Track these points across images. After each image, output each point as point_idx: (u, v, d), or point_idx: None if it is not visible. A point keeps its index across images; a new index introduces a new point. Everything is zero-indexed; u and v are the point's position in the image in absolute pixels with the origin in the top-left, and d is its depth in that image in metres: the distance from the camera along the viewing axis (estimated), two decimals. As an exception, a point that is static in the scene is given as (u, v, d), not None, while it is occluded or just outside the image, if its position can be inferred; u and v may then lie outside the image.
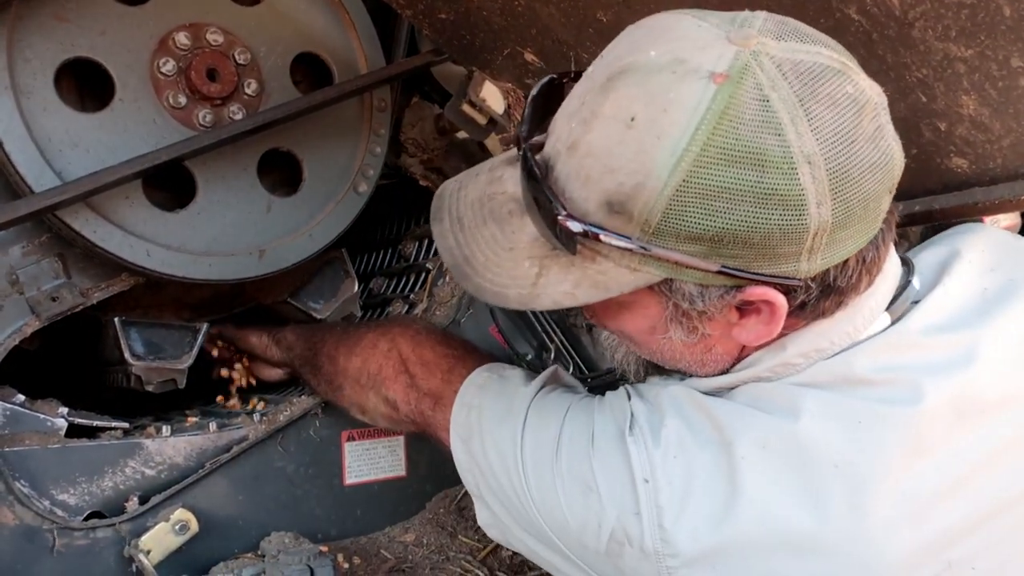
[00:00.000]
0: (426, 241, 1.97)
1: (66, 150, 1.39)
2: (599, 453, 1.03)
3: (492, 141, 1.76)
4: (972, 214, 1.28)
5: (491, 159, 1.09)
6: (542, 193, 0.90)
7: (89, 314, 1.55)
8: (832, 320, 0.98)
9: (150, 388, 1.58)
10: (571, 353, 1.98)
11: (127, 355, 1.54)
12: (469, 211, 1.03)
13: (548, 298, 0.94)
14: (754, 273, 0.89)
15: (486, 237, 1.00)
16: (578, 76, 0.97)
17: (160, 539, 1.46)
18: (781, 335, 0.99)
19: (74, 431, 1.47)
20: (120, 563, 1.45)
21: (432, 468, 1.81)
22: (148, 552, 1.44)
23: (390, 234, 2.14)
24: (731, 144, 0.82)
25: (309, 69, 1.68)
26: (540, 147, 0.96)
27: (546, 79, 0.99)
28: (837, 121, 0.84)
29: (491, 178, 1.04)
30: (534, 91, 0.98)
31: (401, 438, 1.77)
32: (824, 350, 1.00)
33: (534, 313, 1.93)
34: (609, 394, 1.13)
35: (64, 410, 1.46)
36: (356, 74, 1.65)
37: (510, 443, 1.12)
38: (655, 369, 1.16)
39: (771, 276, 0.89)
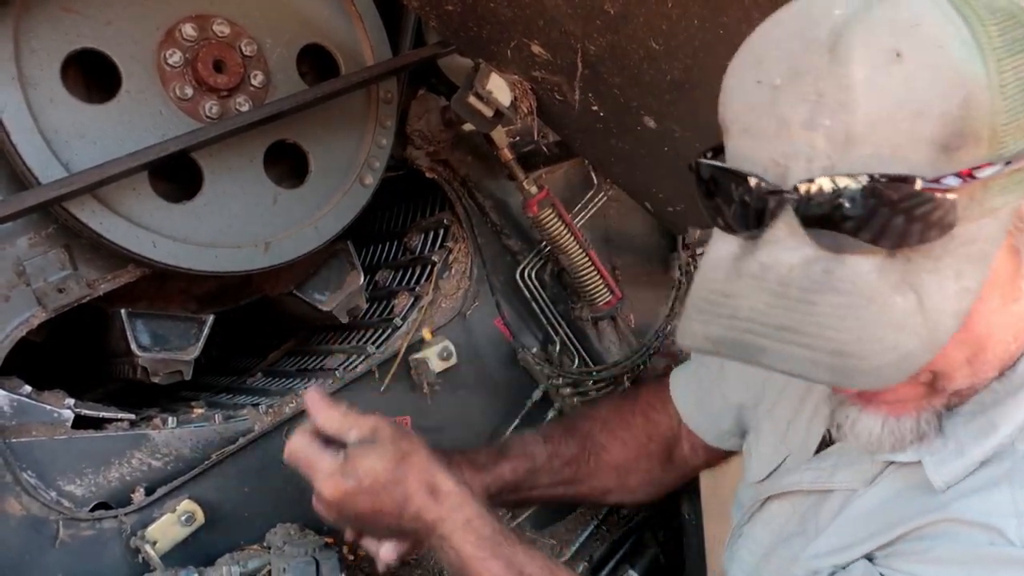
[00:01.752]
0: (431, 233, 1.97)
1: (73, 141, 1.38)
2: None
3: (498, 133, 1.75)
4: None
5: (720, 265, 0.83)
6: (889, 199, 0.70)
7: (95, 305, 1.55)
8: None
9: (156, 379, 1.58)
10: (577, 346, 1.98)
11: (133, 346, 1.55)
12: (784, 315, 0.75)
13: (947, 316, 0.72)
14: None
15: (824, 308, 0.73)
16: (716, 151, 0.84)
17: (166, 530, 1.46)
18: None
19: (80, 422, 1.47)
20: (126, 554, 1.45)
21: (437, 460, 1.81)
22: (154, 543, 1.44)
23: (396, 226, 2.14)
24: (1003, 7, 0.73)
25: (315, 61, 1.67)
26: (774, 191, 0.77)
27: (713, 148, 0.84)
28: None
29: (758, 275, 0.78)
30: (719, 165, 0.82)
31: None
32: None
33: (539, 305, 1.93)
34: None
35: (71, 401, 1.46)
36: (362, 66, 1.64)
37: None
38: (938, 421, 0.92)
39: None
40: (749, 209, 0.77)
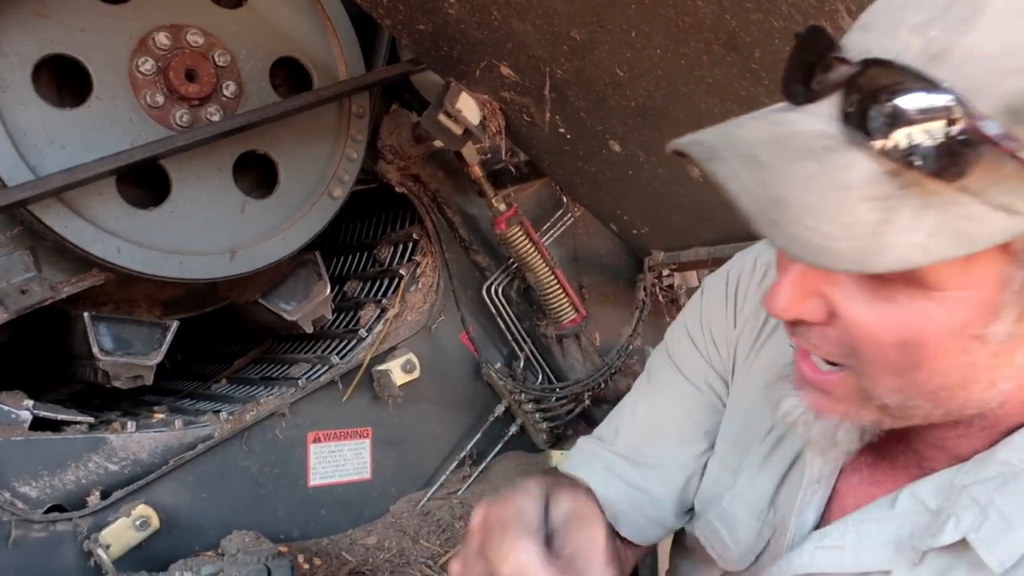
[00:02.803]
0: (400, 246, 1.99)
1: (41, 145, 1.39)
2: None
3: (469, 150, 1.77)
4: None
5: (756, 112, 0.81)
6: (925, 97, 0.66)
7: (59, 308, 1.55)
8: None
9: (117, 383, 1.59)
10: (541, 363, 2.00)
11: (95, 350, 1.55)
12: (764, 150, 0.75)
13: (894, 253, 0.68)
14: None
15: (800, 175, 0.72)
16: None
17: (120, 534, 1.47)
18: None
19: (39, 424, 1.48)
20: (79, 557, 1.46)
21: (397, 472, 1.82)
22: (108, 547, 1.44)
23: (365, 238, 2.15)
24: None
25: (289, 73, 1.69)
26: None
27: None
28: None
29: (775, 121, 0.77)
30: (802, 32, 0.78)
31: (367, 441, 1.78)
32: None
33: (505, 321, 1.95)
34: None
35: (29, 403, 1.47)
36: (335, 80, 1.66)
37: None
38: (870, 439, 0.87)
39: None
40: (814, 73, 0.75)
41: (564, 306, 1.91)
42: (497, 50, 1.45)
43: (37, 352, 1.87)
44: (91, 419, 1.55)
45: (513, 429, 1.93)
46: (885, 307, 0.74)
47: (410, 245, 1.95)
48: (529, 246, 1.84)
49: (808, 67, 0.75)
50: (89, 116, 1.43)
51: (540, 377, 2.00)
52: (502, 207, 1.81)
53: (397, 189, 1.86)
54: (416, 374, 1.81)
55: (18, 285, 1.43)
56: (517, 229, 1.82)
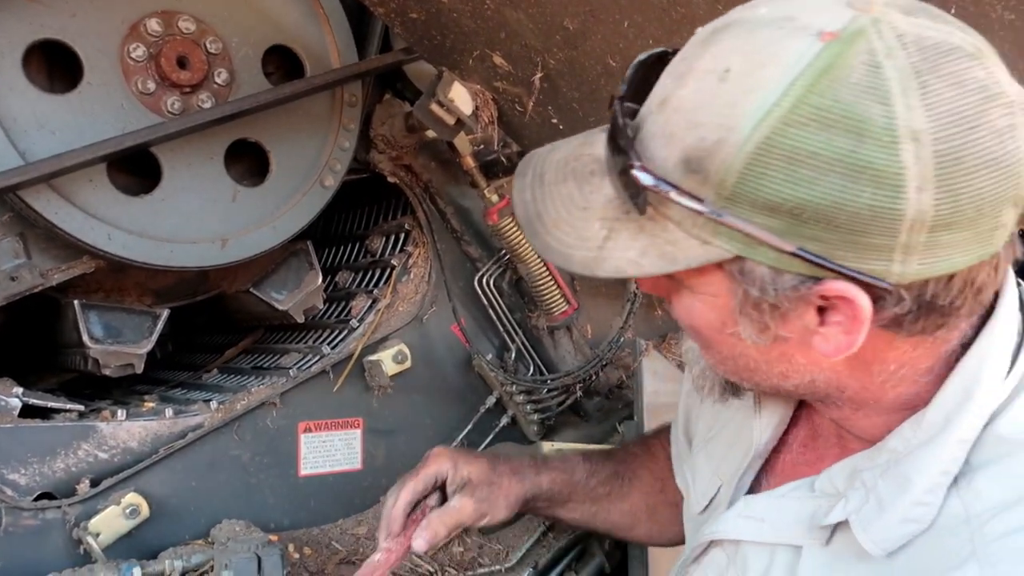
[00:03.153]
0: (392, 237, 1.99)
1: (31, 130, 1.39)
2: None
3: (461, 141, 1.77)
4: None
5: (593, 130, 0.99)
6: (619, 145, 0.84)
7: (50, 295, 1.55)
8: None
9: (107, 372, 1.58)
10: (532, 354, 2.00)
11: (85, 338, 1.55)
12: (552, 169, 0.96)
13: (612, 264, 0.86)
14: (836, 264, 0.77)
15: (563, 194, 0.92)
16: None
17: (110, 522, 1.47)
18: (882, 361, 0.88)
19: (28, 411, 1.47)
20: (69, 545, 1.45)
21: (387, 462, 1.82)
22: (97, 535, 1.44)
23: (357, 229, 2.15)
24: (827, 105, 0.73)
25: (281, 61, 1.69)
26: (635, 112, 0.88)
27: (659, 50, 0.90)
28: (957, 101, 0.74)
29: (584, 141, 0.96)
30: (643, 57, 0.90)
31: (358, 431, 1.78)
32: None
33: (497, 313, 1.95)
34: None
35: (19, 390, 1.47)
36: (328, 69, 1.66)
37: None
38: (733, 391, 1.04)
39: (855, 271, 0.77)
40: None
41: (556, 298, 1.91)
42: (490, 39, 1.44)
43: (27, 340, 1.86)
44: (81, 407, 1.54)
45: (504, 420, 1.93)
46: (677, 297, 0.93)
47: (402, 236, 1.95)
48: (521, 237, 1.83)
49: (630, 85, 0.89)
50: (80, 102, 1.43)
51: (531, 369, 2.00)
52: (494, 198, 1.81)
53: (389, 179, 1.85)
54: (407, 365, 1.81)
55: (7, 272, 1.43)
56: (509, 220, 1.81)
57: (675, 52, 0.88)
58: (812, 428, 1.08)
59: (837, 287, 0.79)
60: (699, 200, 0.78)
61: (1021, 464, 0.84)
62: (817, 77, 0.73)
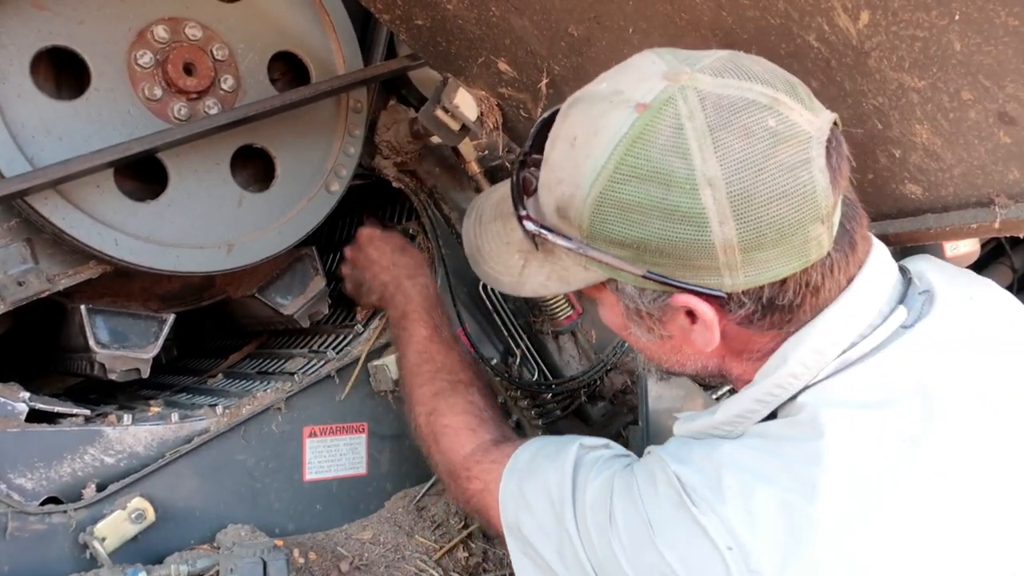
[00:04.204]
0: (397, 242, 1.99)
1: (39, 137, 1.40)
2: (664, 537, 0.99)
3: (466, 146, 1.78)
4: (925, 240, 1.31)
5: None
6: (514, 197, 1.09)
7: (56, 300, 1.56)
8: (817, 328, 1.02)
9: (113, 376, 1.59)
10: (536, 359, 2.00)
11: (91, 342, 1.55)
12: (488, 209, 1.22)
13: (530, 287, 1.12)
14: (679, 281, 0.98)
15: (494, 231, 1.18)
16: None
17: (116, 527, 1.47)
18: (769, 348, 1.06)
19: (34, 416, 1.48)
20: (75, 549, 1.46)
21: (392, 467, 1.83)
22: (103, 539, 1.45)
23: (363, 234, 2.15)
24: (641, 164, 0.92)
25: (287, 68, 1.70)
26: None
27: (552, 111, 1.10)
28: (746, 150, 0.91)
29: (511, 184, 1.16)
30: (545, 115, 1.10)
31: (363, 436, 1.79)
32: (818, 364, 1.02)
33: (501, 318, 1.96)
34: (637, 466, 1.11)
35: (25, 394, 1.47)
36: (333, 75, 1.66)
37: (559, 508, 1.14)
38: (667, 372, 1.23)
39: (696, 285, 0.98)
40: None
41: (560, 302, 1.92)
42: (495, 46, 1.45)
43: (33, 344, 1.87)
44: (87, 412, 1.55)
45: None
46: (597, 306, 1.16)
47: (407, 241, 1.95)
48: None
49: (533, 141, 1.12)
50: (87, 108, 1.44)
51: (536, 373, 2.00)
52: (499, 203, 1.81)
53: (394, 184, 1.86)
54: (412, 369, 1.81)
55: (15, 277, 1.43)
56: (514, 225, 1.82)
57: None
58: None
59: (683, 299, 1.00)
60: (569, 239, 1.01)
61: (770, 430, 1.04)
62: (632, 143, 0.93)
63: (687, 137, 0.91)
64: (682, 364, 1.13)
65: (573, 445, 1.19)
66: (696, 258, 0.95)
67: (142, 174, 1.53)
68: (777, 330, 1.04)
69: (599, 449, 1.20)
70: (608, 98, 0.97)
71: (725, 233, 0.92)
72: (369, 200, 2.06)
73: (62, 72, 1.49)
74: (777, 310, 1.01)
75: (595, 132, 0.96)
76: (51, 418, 1.50)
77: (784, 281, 0.98)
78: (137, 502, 1.49)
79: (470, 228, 1.25)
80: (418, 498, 1.83)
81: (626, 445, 1.99)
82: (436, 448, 1.46)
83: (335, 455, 1.75)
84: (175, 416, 1.59)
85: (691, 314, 1.02)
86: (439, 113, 1.57)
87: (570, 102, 1.03)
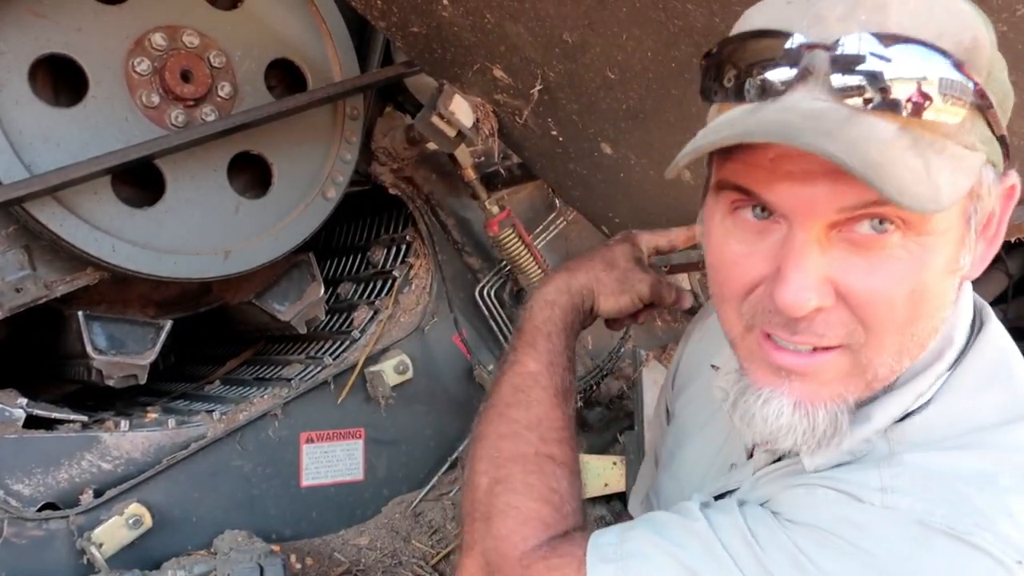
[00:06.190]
0: (393, 248, 2.00)
1: (37, 144, 1.40)
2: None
3: (463, 153, 1.78)
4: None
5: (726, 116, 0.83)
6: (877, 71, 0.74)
7: (54, 307, 1.56)
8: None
9: (110, 382, 1.59)
10: (533, 365, 2.00)
11: (89, 348, 1.56)
12: (805, 121, 0.75)
13: (945, 191, 0.74)
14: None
15: (859, 139, 0.74)
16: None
17: (113, 533, 1.47)
18: None
19: (32, 422, 1.48)
20: (72, 555, 1.46)
21: (389, 473, 1.83)
22: (100, 545, 1.45)
23: (359, 240, 2.16)
24: None
25: (284, 75, 1.71)
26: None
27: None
28: None
29: (785, 107, 0.78)
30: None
31: (359, 442, 1.79)
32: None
33: (498, 324, 1.96)
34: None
35: (23, 401, 1.48)
36: (330, 82, 1.67)
37: None
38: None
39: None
40: (778, 69, 0.77)
41: (557, 308, 1.92)
42: (490, 53, 1.46)
43: (31, 351, 1.87)
44: (84, 418, 1.55)
45: (505, 430, 1.93)
46: (891, 267, 0.77)
47: (403, 247, 1.97)
48: (522, 248, 1.85)
49: (761, 64, 0.78)
50: (85, 115, 1.44)
51: (532, 379, 2.00)
52: (495, 209, 1.82)
53: (391, 191, 1.87)
54: (409, 375, 1.82)
55: (12, 283, 1.44)
56: (510, 232, 1.83)
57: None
58: None
59: (1012, 175, 0.81)
60: (983, 97, 0.75)
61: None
62: None
63: None
64: (934, 330, 0.84)
65: (693, 505, 0.91)
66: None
67: (139, 181, 1.54)
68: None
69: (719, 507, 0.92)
70: None
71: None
72: (366, 206, 2.06)
73: (60, 79, 1.50)
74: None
75: None
76: (49, 424, 1.51)
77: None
78: (134, 508, 1.50)
79: (828, 145, 0.72)
80: (415, 504, 1.83)
81: (622, 450, 2.00)
82: (487, 524, 1.05)
83: (332, 461, 1.75)
84: (172, 422, 1.59)
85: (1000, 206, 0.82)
86: (435, 120, 1.58)
87: None
